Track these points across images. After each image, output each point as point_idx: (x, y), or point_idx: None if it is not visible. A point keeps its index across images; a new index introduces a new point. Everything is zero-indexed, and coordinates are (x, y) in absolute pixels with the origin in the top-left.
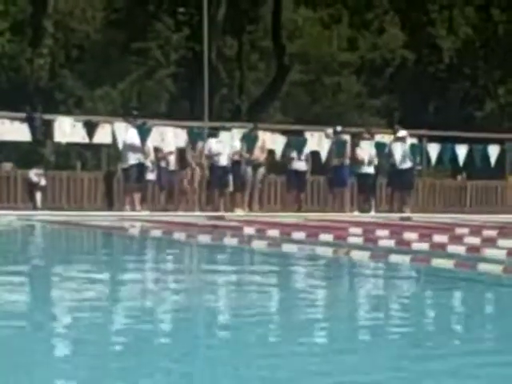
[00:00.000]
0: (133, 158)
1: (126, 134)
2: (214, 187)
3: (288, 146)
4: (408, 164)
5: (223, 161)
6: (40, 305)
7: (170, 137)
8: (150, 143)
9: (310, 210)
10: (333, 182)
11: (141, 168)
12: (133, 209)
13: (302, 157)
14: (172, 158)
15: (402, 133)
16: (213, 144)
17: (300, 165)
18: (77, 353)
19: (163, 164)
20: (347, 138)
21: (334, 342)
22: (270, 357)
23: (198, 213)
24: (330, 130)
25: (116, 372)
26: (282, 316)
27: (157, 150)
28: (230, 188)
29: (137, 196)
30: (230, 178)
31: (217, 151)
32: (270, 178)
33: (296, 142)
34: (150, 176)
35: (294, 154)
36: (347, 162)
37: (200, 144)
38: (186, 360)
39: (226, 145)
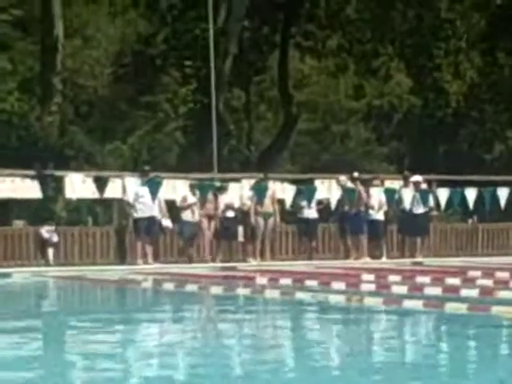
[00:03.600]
0: (143, 211)
1: (137, 188)
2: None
3: (298, 195)
4: (421, 209)
5: (230, 213)
6: (56, 365)
7: (182, 189)
8: (162, 196)
9: (319, 258)
10: (350, 229)
11: (151, 221)
12: (145, 262)
13: (312, 205)
14: (196, 209)
15: (417, 177)
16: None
17: (310, 213)
18: None
19: (186, 216)
20: (359, 184)
21: None
22: None
23: (210, 264)
24: (342, 177)
25: None
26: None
27: (182, 200)
28: (241, 238)
29: (149, 249)
30: (241, 228)
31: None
32: (281, 227)
33: (306, 190)
34: (165, 223)
35: (303, 203)
36: (362, 209)
37: (211, 195)
38: None
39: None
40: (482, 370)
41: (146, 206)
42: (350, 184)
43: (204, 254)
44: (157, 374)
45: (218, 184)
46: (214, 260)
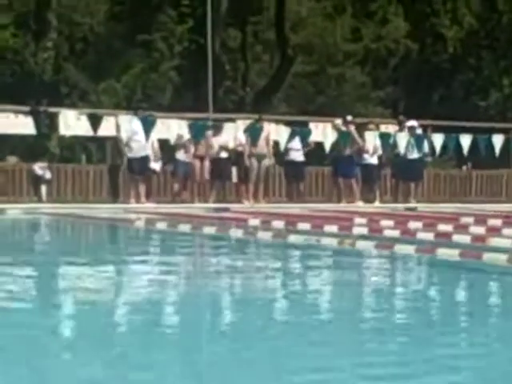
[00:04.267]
0: (137, 150)
1: (131, 125)
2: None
3: (292, 137)
4: (416, 154)
5: (224, 153)
6: (45, 296)
7: (175, 129)
8: (154, 135)
9: (313, 201)
10: (340, 172)
11: (145, 160)
12: (138, 201)
13: (302, 147)
14: (192, 149)
15: (412, 122)
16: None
17: (297, 155)
18: (80, 346)
19: (180, 156)
20: (352, 128)
21: (342, 335)
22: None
23: (203, 204)
24: (338, 121)
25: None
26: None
27: (178, 138)
28: (234, 179)
29: (142, 188)
30: (234, 169)
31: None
32: (275, 169)
33: (301, 132)
34: (154, 165)
35: (293, 145)
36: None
37: (205, 136)
38: (192, 345)
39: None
40: (471, 314)
41: (140, 145)
42: (343, 127)
43: (196, 195)
44: (144, 311)
45: (209, 123)
46: (205, 201)
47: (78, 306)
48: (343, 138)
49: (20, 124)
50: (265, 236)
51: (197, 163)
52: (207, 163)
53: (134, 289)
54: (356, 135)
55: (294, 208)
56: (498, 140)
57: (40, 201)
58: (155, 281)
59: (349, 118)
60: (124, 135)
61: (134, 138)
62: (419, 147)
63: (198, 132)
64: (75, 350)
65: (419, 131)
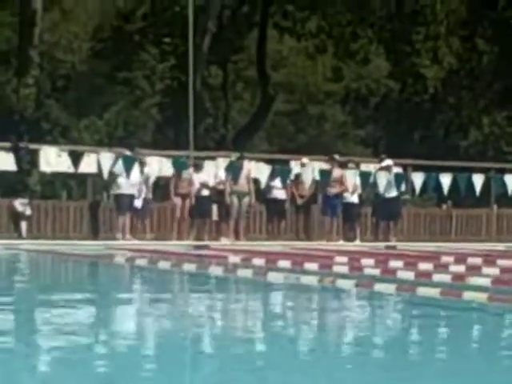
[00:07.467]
0: (125, 187)
1: (117, 162)
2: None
3: (273, 175)
4: (394, 193)
5: (205, 191)
6: (24, 337)
7: (155, 166)
8: (137, 173)
9: (292, 239)
10: (326, 211)
11: (131, 197)
12: (124, 237)
13: (283, 185)
14: (150, 186)
15: (388, 162)
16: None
17: (279, 193)
18: None
19: (145, 193)
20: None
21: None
22: None
23: (183, 242)
24: (305, 160)
25: None
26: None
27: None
28: (215, 217)
29: (127, 224)
30: (215, 207)
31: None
32: (256, 206)
33: (281, 171)
34: (136, 203)
35: (275, 183)
36: (332, 191)
37: (185, 173)
38: None
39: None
40: (451, 352)
41: (128, 182)
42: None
43: (175, 233)
44: (120, 351)
45: (190, 161)
46: (182, 239)
47: (49, 346)
48: (323, 177)
49: (1, 160)
50: (245, 273)
51: (178, 201)
52: (188, 202)
53: (112, 328)
54: (338, 173)
55: (275, 245)
56: (478, 179)
57: (20, 237)
58: (136, 319)
59: (337, 156)
60: (105, 172)
61: (123, 175)
62: (398, 185)
63: (179, 168)
64: None
65: (396, 170)
